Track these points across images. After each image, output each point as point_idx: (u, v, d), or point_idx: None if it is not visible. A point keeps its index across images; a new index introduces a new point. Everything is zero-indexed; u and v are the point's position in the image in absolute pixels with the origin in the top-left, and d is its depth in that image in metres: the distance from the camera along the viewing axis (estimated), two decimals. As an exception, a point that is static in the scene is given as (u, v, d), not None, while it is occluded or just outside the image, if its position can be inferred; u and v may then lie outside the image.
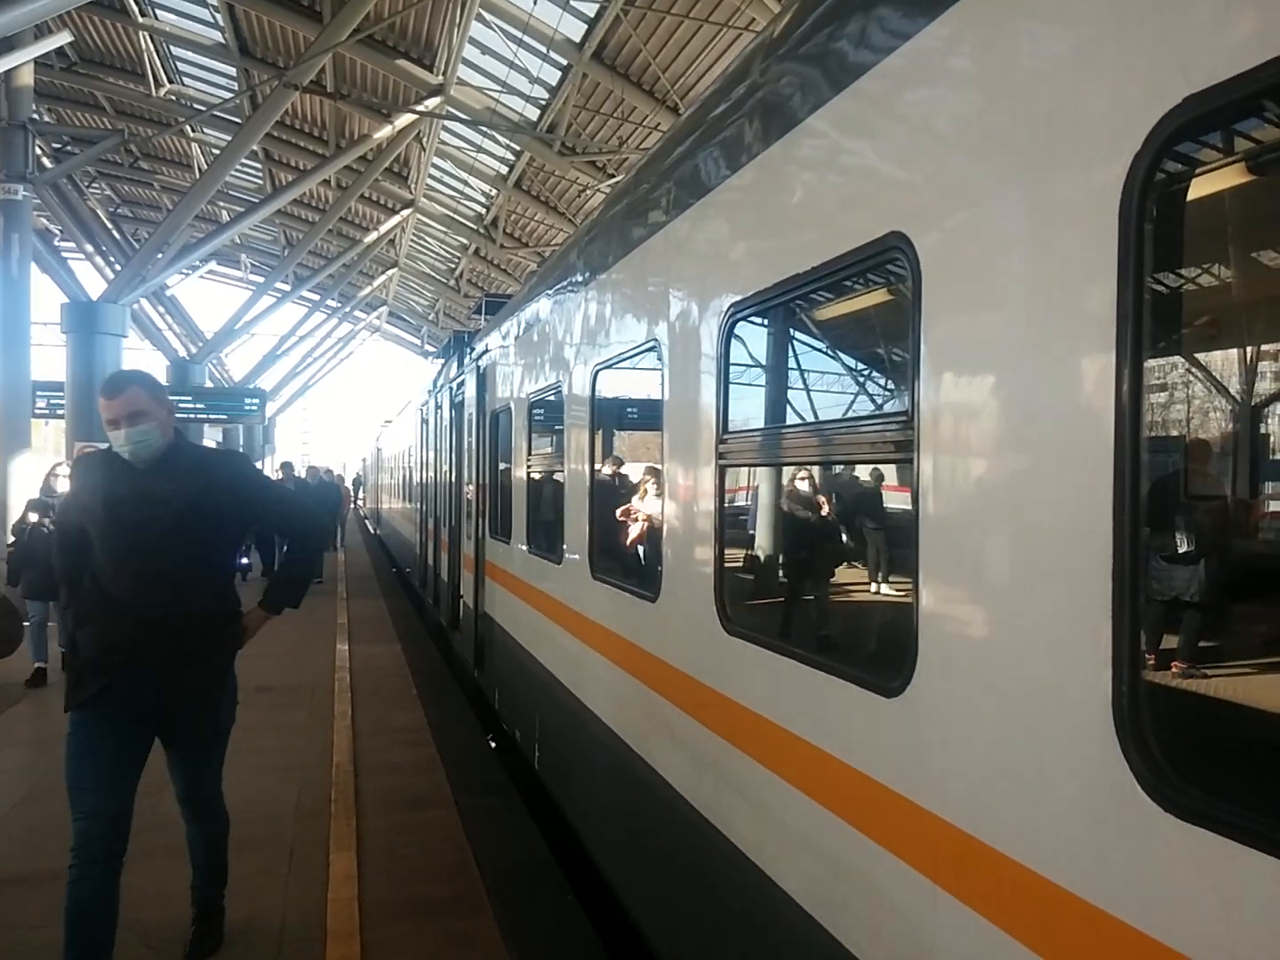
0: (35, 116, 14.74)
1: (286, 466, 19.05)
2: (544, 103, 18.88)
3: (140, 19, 18.18)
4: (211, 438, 26.88)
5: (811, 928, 2.61)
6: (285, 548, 4.32)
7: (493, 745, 7.95)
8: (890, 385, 2.64)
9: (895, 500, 2.66)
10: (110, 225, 24.54)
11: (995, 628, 1.99)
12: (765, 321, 3.17)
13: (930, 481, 2.17)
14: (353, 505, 30.82)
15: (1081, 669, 1.75)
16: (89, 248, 19.29)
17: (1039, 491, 1.87)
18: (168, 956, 4.14)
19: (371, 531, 34.57)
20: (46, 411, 18.79)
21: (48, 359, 24.75)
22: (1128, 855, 1.66)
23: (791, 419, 3.11)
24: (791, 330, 3.12)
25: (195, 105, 21.49)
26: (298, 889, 4.79)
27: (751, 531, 3.46)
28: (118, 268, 18.47)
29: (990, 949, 1.95)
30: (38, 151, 14.42)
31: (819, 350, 3.11)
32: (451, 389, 10.77)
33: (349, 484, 40.31)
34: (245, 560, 16.31)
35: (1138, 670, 1.67)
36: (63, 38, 13.65)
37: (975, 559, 2.04)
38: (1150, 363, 1.70)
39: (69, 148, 18.80)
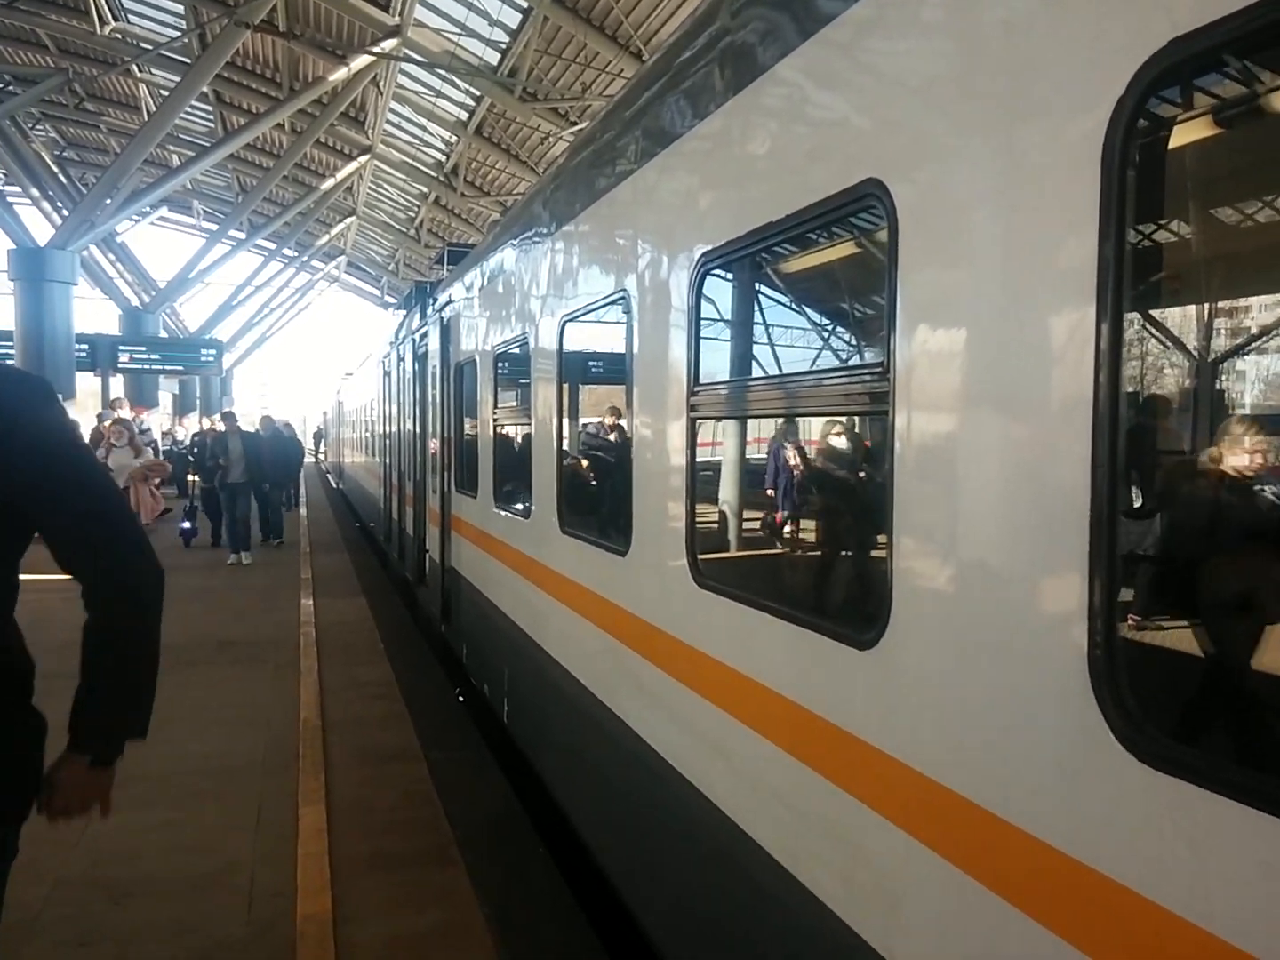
0: (-27, 54, 14.12)
1: (229, 418, 15.75)
2: (504, 46, 18.46)
3: (82, -48, 17.46)
4: (167, 389, 26.35)
5: (783, 878, 2.64)
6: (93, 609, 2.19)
7: (460, 699, 7.96)
8: (865, 337, 2.61)
9: (869, 452, 2.65)
10: (56, 169, 23.77)
11: (970, 581, 1.99)
12: (737, 272, 3.12)
13: (905, 434, 2.15)
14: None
15: (1059, 621, 1.76)
16: (35, 192, 18.67)
17: (1017, 444, 1.86)
18: None
19: (334, 485, 34.24)
20: (-6, 363, 18.32)
21: (-6, 308, 24.04)
22: (1102, 804, 1.68)
23: (764, 371, 3.08)
24: (764, 281, 3.08)
25: (142, 44, 20.73)
26: (267, 843, 4.78)
27: (724, 485, 3.44)
28: (65, 213, 17.89)
29: (963, 897, 1.98)
30: (-23, 92, 13.84)
31: (793, 301, 3.07)
32: (414, 340, 10.61)
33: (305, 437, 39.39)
34: (188, 524, 15.33)
35: (1113, 622, 1.68)
36: (0, -29, 13.04)
37: (951, 512, 2.04)
38: (1130, 316, 1.68)
39: (10, 88, 18.10)
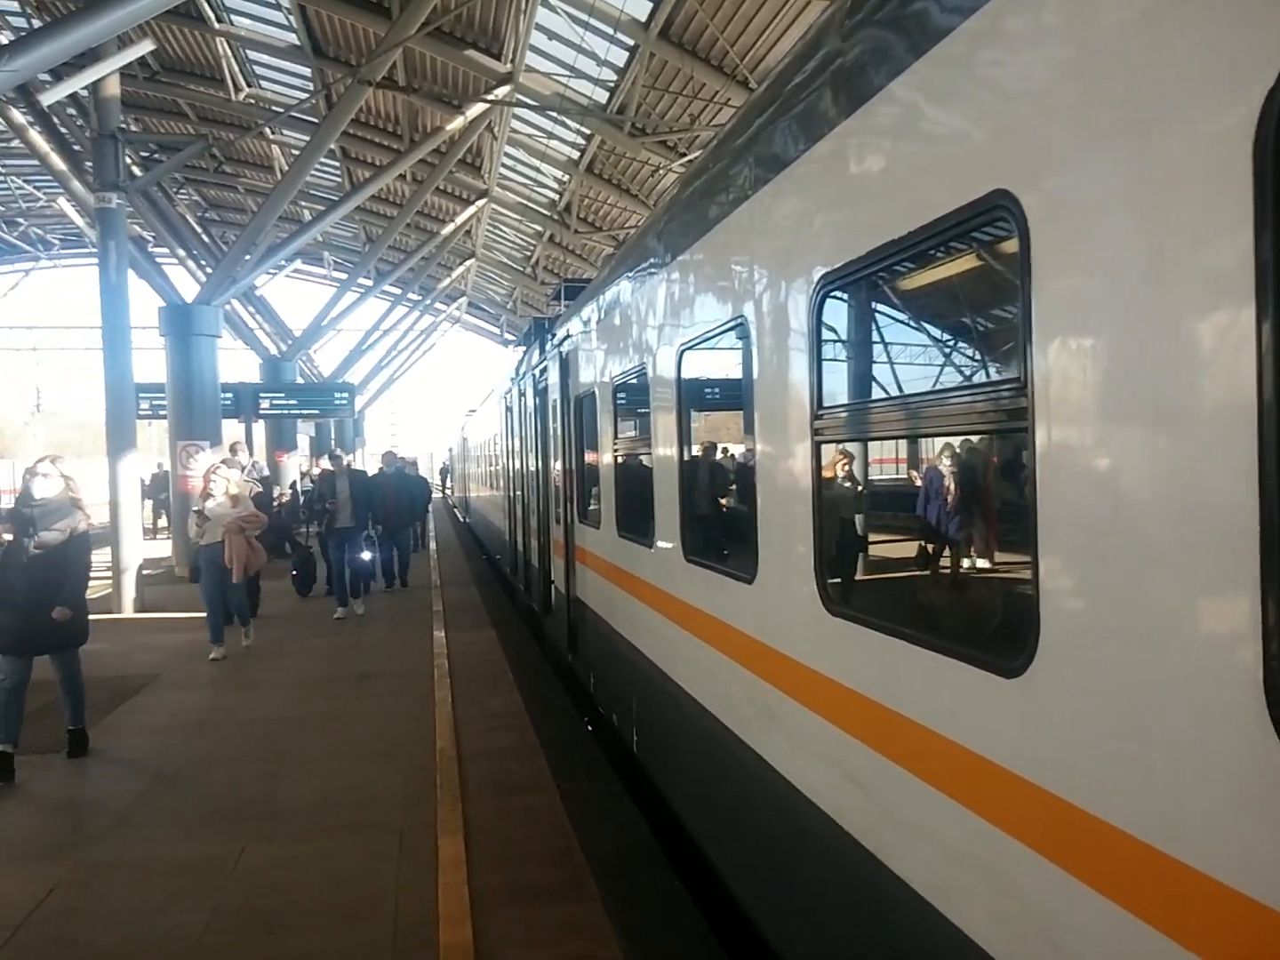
0: (123, 126, 15.20)
1: (335, 459, 14.13)
2: (613, 85, 18.80)
3: (217, 25, 18.65)
4: (304, 432, 27.61)
5: (932, 916, 2.54)
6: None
7: (589, 729, 8.00)
8: (997, 352, 2.52)
9: (1007, 471, 2.55)
10: (199, 229, 25.34)
11: (1126, 604, 1.88)
12: (859, 292, 3.07)
13: (1048, 451, 2.06)
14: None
15: (1227, 643, 1.64)
16: (180, 252, 19.92)
17: (1173, 459, 1.76)
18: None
19: (460, 520, 35.15)
20: (149, 412, 19.54)
21: (146, 361, 25.69)
22: (1282, 841, 1.55)
23: (891, 391, 3.01)
24: (887, 300, 3.02)
25: (273, 107, 21.99)
26: (409, 873, 4.88)
27: (852, 508, 3.37)
28: (208, 270, 19.03)
29: (1130, 938, 1.86)
30: (127, 160, 14.88)
31: (917, 319, 3.00)
32: (534, 375, 10.83)
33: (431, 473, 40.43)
34: (295, 572, 15.05)
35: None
36: (145, 46, 14.04)
37: (1102, 532, 1.93)
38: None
39: (156, 155, 19.41)
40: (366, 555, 13.77)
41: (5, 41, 12.10)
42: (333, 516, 13.15)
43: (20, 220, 35.27)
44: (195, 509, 10.74)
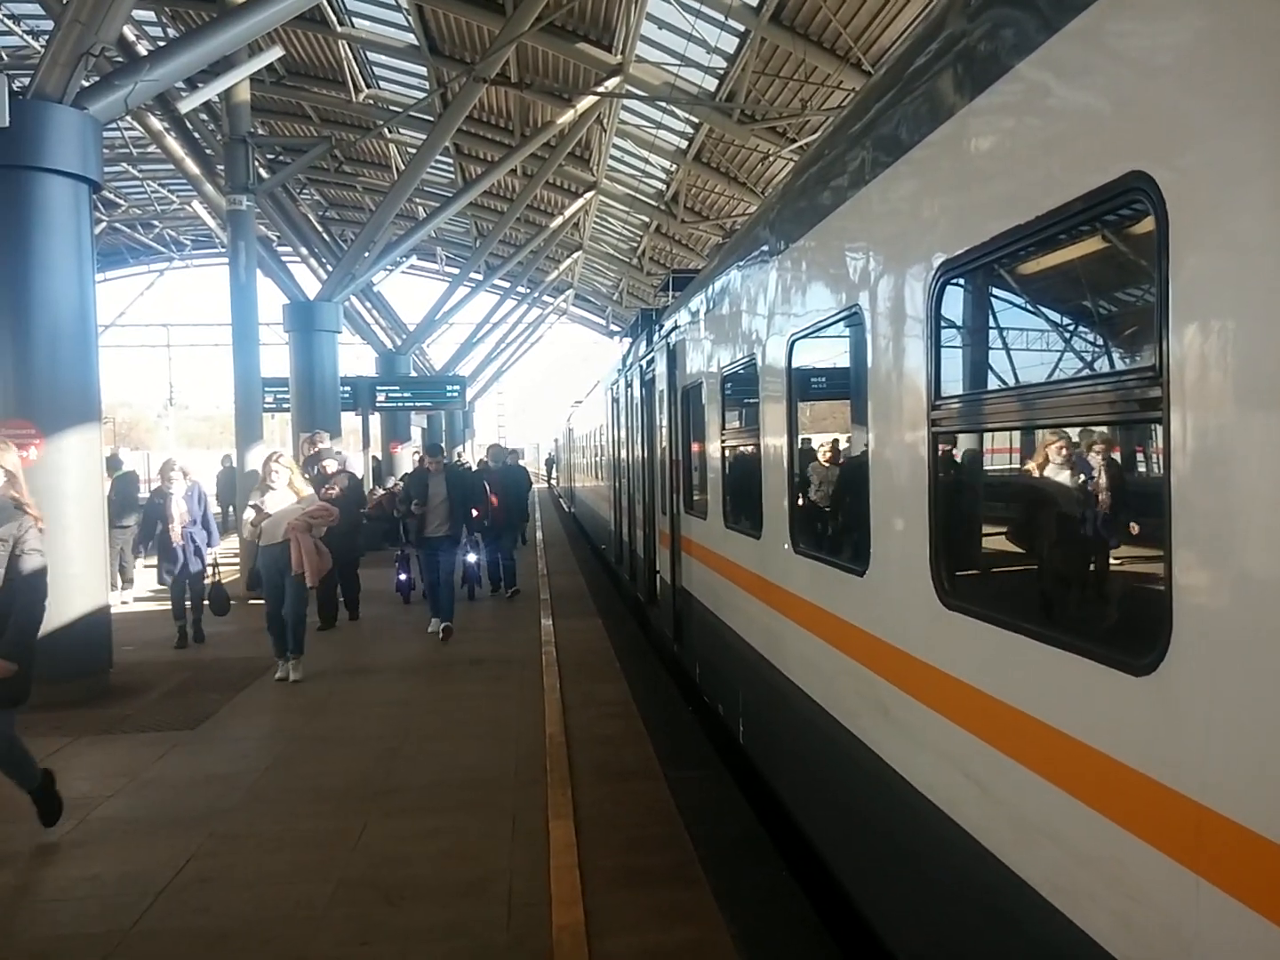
0: (252, 130, 15.85)
1: (433, 450, 12.51)
2: (722, 72, 18.68)
3: (339, 28, 19.27)
4: (417, 424, 28.36)
5: (1052, 916, 2.48)
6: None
7: (695, 717, 8.03)
8: (1131, 340, 2.43)
9: (1139, 462, 2.47)
10: (320, 228, 26.27)
11: (1260, 601, 1.80)
12: (980, 280, 3.00)
13: (1183, 441, 1.98)
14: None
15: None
16: (303, 251, 20.67)
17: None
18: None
19: (566, 509, 35.62)
20: (274, 405, 20.38)
21: (269, 356, 26.77)
22: None
23: (1012, 381, 2.93)
24: (1011, 288, 2.94)
25: (392, 107, 22.60)
26: (522, 854, 5.00)
27: (970, 501, 3.30)
28: (329, 268, 19.72)
29: (1269, 949, 1.78)
30: (255, 163, 15.52)
31: (1042, 307, 2.91)
32: (641, 367, 10.89)
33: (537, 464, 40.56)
34: (404, 575, 13.36)
35: None
36: (274, 53, 14.59)
37: (1237, 525, 1.85)
38: None
39: (282, 157, 20.21)
40: (472, 557, 13.58)
41: (144, 53, 12.74)
42: (421, 522, 11.09)
43: (156, 222, 37.12)
44: (252, 503, 9.04)
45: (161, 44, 15.21)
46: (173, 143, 15.81)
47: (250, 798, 5.97)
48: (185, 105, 13.92)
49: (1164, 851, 2.07)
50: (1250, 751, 1.85)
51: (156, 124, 15.66)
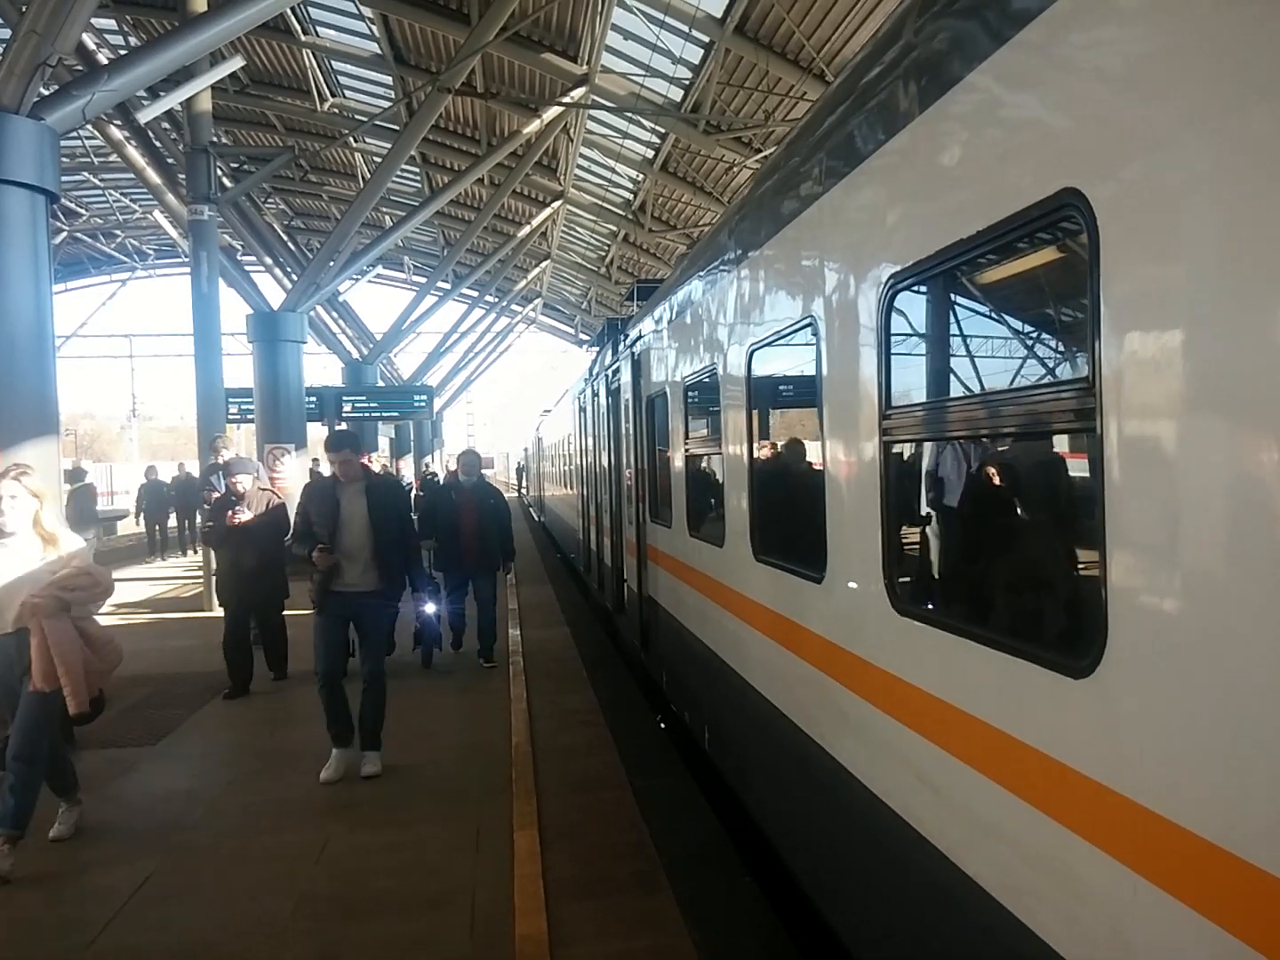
0: (215, 139, 15.75)
1: (342, 438, 6.99)
2: (688, 82, 18.81)
3: (303, 37, 19.19)
4: (385, 434, 28.22)
5: (1000, 914, 2.52)
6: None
7: (661, 726, 8.05)
8: (1066, 351, 2.49)
9: (1073, 470, 2.52)
10: (285, 237, 26.09)
11: (1193, 603, 1.86)
12: (927, 291, 3.05)
13: (1116, 450, 2.04)
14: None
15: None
16: (268, 260, 20.54)
17: (1243, 457, 1.73)
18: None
19: (535, 519, 35.57)
20: (238, 416, 20.21)
21: (234, 367, 26.57)
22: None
23: (958, 391, 2.99)
24: (956, 299, 3.00)
25: (357, 116, 22.53)
26: (486, 865, 4.99)
27: (920, 509, 3.35)
28: (294, 278, 19.59)
29: (1207, 945, 1.83)
30: (218, 172, 15.41)
31: (986, 318, 2.97)
32: (607, 376, 10.92)
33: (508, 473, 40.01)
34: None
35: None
36: (236, 62, 14.49)
37: (1169, 531, 1.91)
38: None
39: (245, 166, 20.08)
40: (431, 608, 8.86)
41: (105, 61, 12.63)
42: (329, 573, 6.45)
43: (118, 232, 36.70)
44: None
45: (123, 53, 15.06)
46: (133, 152, 15.67)
47: (211, 813, 5.91)
48: (145, 115, 13.81)
49: (1105, 850, 2.12)
50: (1181, 751, 1.90)
51: (117, 133, 15.51)
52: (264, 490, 9.21)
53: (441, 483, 15.32)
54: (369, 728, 6.59)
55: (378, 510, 6.52)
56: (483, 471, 11.15)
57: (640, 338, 8.55)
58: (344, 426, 19.07)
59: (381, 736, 6.64)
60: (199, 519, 8.62)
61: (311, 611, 6.61)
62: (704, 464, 6.38)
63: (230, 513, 8.68)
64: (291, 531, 7.91)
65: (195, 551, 9.57)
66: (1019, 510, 2.73)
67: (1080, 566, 2.38)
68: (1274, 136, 1.65)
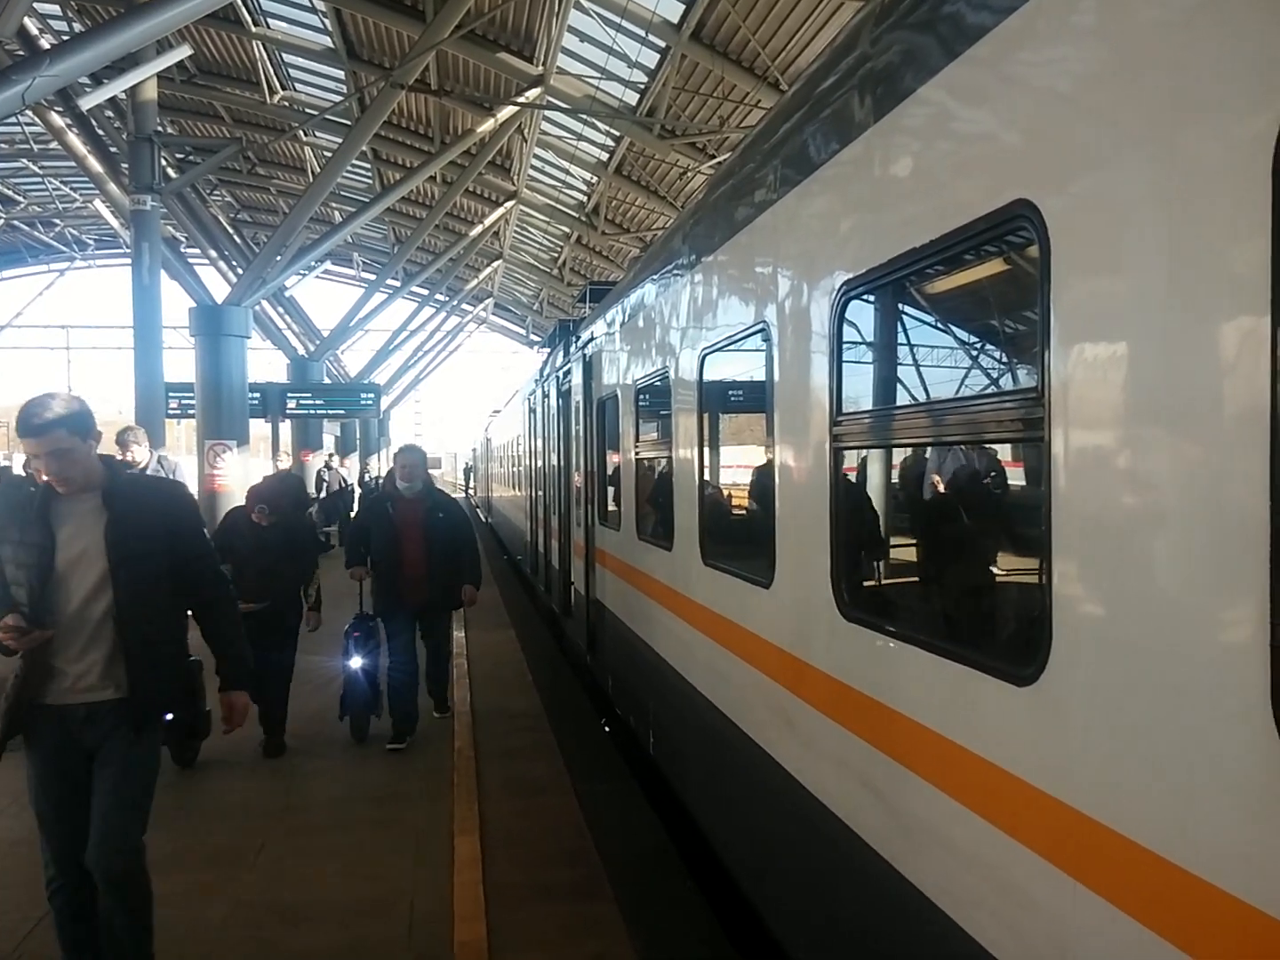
0: (160, 129, 15.40)
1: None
2: (643, 86, 18.83)
3: (254, 29, 18.86)
4: (330, 432, 27.83)
5: (943, 922, 2.53)
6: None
7: (607, 730, 8.02)
8: (1016, 361, 2.52)
9: (1022, 479, 2.55)
10: (231, 230, 25.61)
11: (1136, 613, 1.88)
12: (880, 299, 3.07)
13: (1063, 459, 2.06)
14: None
15: (1236, 653, 1.64)
16: (213, 253, 20.13)
17: (1185, 468, 1.75)
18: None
19: (483, 520, 35.32)
20: (178, 411, 19.76)
21: (176, 361, 25.96)
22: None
23: (909, 399, 3.01)
24: (908, 307, 3.02)
25: (307, 110, 22.19)
26: (425, 871, 4.92)
27: (868, 515, 3.37)
28: (239, 271, 19.23)
29: (1138, 948, 1.85)
30: (162, 162, 15.07)
31: (937, 327, 2.99)
32: (558, 378, 10.87)
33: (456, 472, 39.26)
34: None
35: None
36: (183, 51, 14.21)
37: (1114, 541, 1.93)
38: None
39: (191, 157, 19.65)
40: (356, 662, 6.99)
41: (47, 46, 12.29)
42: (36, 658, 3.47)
43: (56, 221, 35.76)
44: None
45: (66, 38, 14.66)
46: (75, 139, 15.26)
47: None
48: (87, 102, 13.46)
49: (1045, 857, 2.14)
50: (1122, 759, 1.92)
51: (58, 120, 15.09)
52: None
53: (378, 491, 12.39)
54: None
55: (125, 544, 3.46)
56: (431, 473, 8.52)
57: (592, 340, 8.52)
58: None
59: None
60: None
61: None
62: (654, 468, 6.37)
63: None
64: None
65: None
66: (967, 518, 2.75)
67: (1025, 575, 2.40)
68: (1211, 154, 1.68)
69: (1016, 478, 2.60)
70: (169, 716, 3.67)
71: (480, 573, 7.93)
